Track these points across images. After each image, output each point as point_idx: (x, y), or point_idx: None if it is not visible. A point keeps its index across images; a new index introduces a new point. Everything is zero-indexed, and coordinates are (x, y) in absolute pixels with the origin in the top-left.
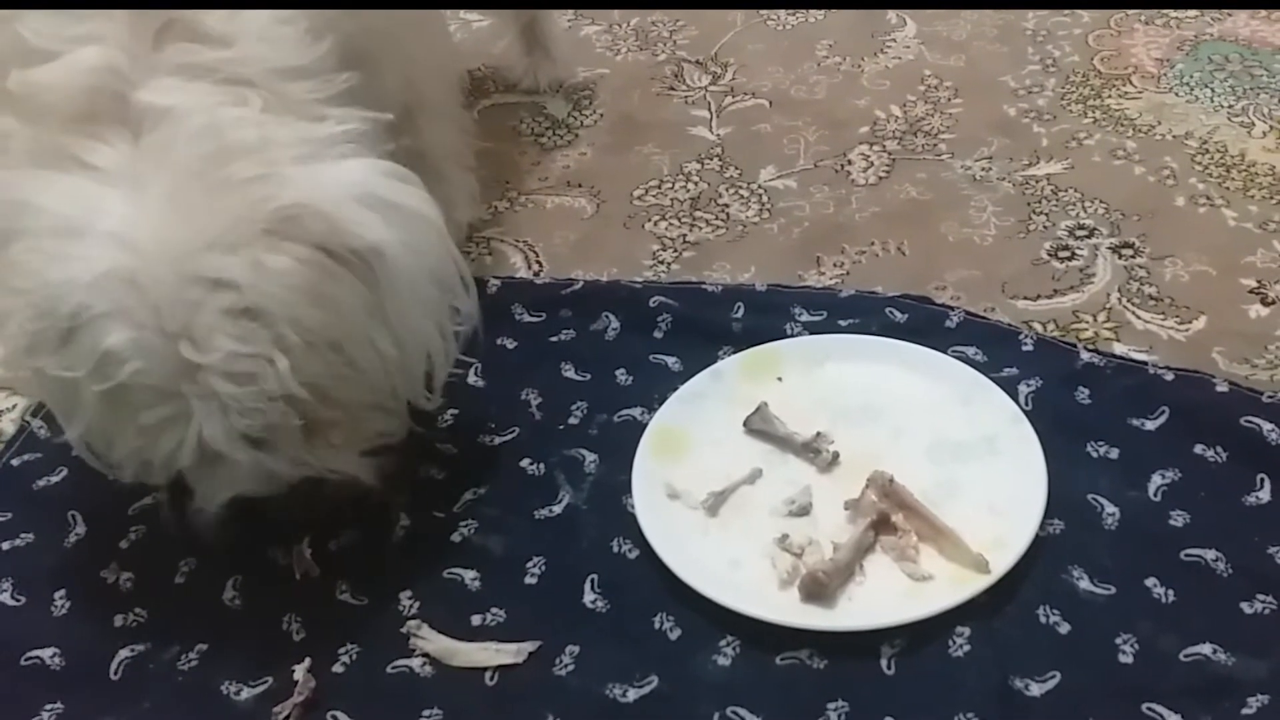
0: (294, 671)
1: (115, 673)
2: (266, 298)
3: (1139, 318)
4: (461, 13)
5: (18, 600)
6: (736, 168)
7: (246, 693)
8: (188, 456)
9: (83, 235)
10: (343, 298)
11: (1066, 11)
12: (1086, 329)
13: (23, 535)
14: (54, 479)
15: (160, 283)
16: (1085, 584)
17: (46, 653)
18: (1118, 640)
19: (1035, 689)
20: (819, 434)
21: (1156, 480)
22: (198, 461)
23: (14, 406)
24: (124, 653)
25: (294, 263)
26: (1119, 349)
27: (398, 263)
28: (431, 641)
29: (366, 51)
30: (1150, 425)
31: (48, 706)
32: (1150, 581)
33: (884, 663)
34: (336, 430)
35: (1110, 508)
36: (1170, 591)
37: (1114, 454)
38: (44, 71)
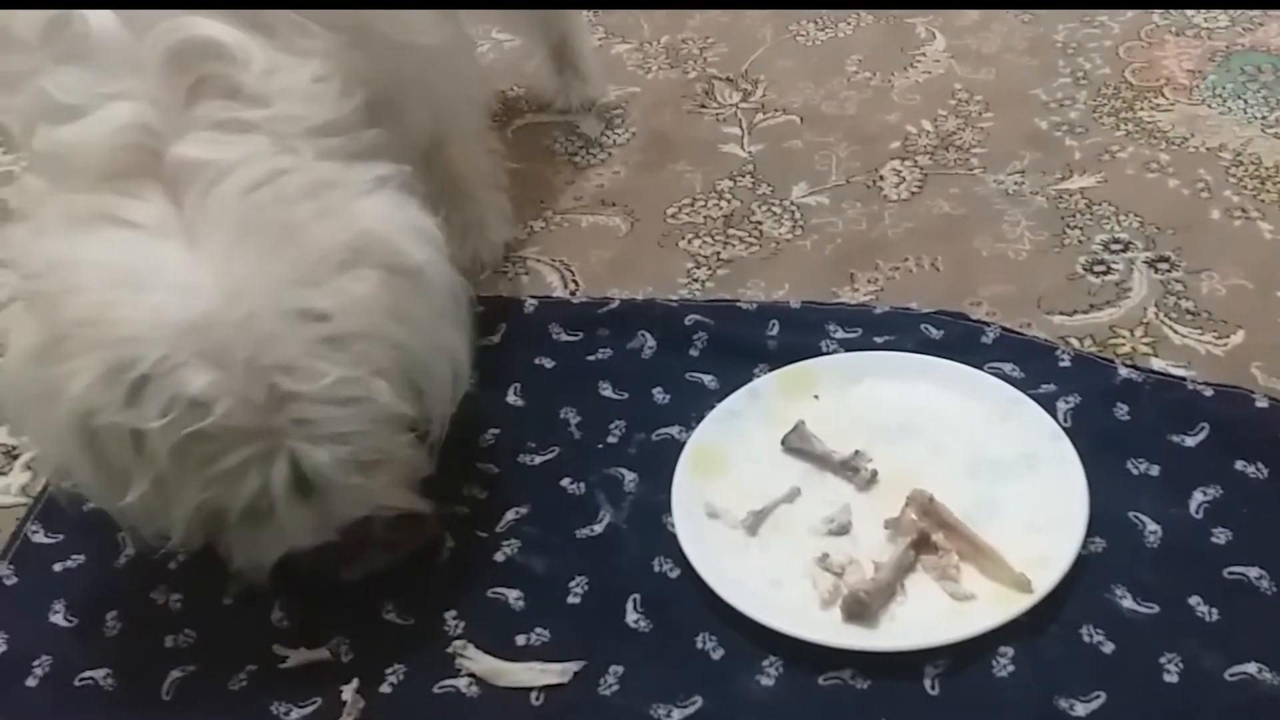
0: (342, 692)
1: (167, 693)
2: (358, 321)
3: (1176, 332)
4: (493, 32)
5: (70, 621)
6: (769, 185)
7: (296, 713)
8: (280, 491)
9: (141, 287)
10: (416, 313)
11: (1096, 23)
12: (1124, 344)
13: (74, 557)
14: None
15: (244, 320)
16: (1128, 603)
17: (99, 673)
18: (1162, 659)
19: (1080, 709)
20: (857, 452)
21: (1198, 497)
22: (248, 519)
23: None
24: (175, 673)
25: (375, 287)
26: (1157, 364)
27: (435, 280)
28: (477, 661)
29: (394, 101)
30: (1190, 441)
31: None
32: (1194, 600)
33: (928, 683)
34: (388, 465)
35: (1152, 525)
36: (1214, 610)
37: (1154, 471)
38: (73, 129)
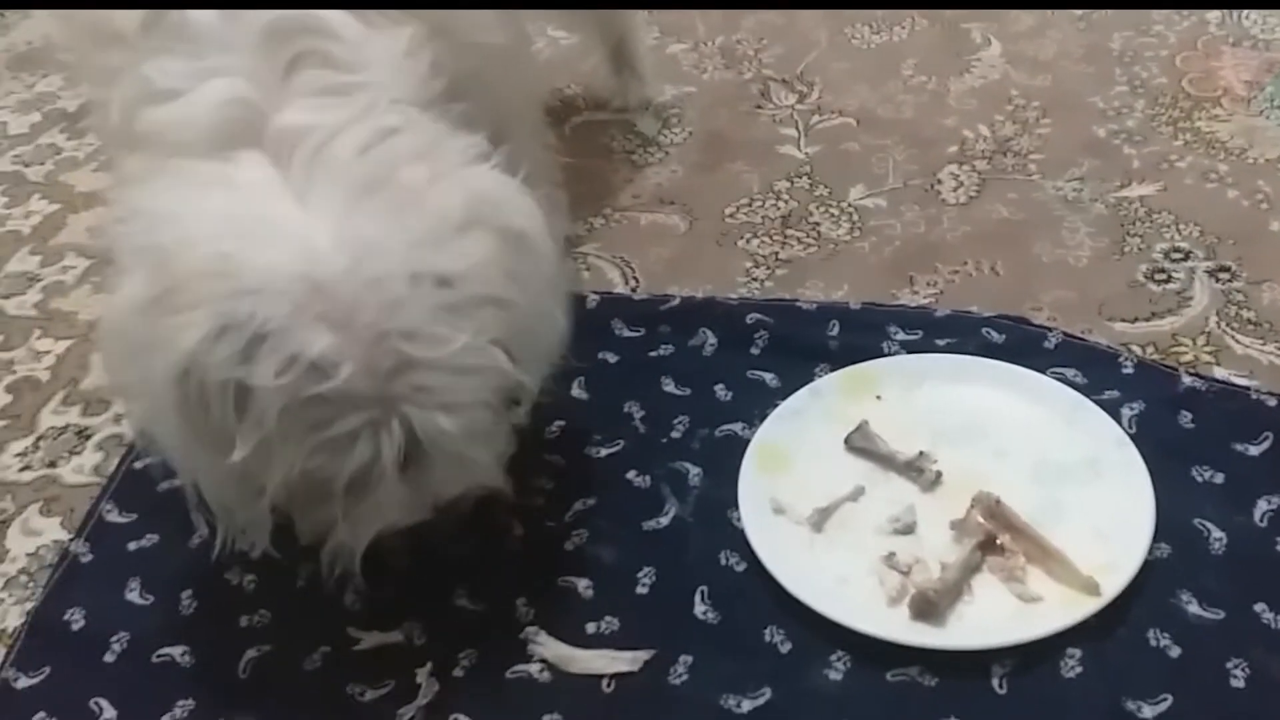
0: (416, 675)
1: (243, 671)
2: (479, 285)
3: (1238, 342)
4: (550, 29)
5: (146, 599)
6: (826, 186)
7: (371, 694)
8: (390, 462)
9: (258, 242)
10: (524, 271)
11: (1153, 32)
12: (1186, 352)
13: (148, 536)
14: (177, 482)
15: (366, 284)
16: (1194, 608)
17: (176, 650)
18: (1229, 665)
19: (1148, 711)
20: (922, 453)
21: (1262, 506)
22: (351, 491)
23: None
24: (251, 652)
25: (492, 250)
26: (1219, 373)
27: (540, 247)
28: (549, 648)
29: (460, 96)
30: (1254, 450)
31: (180, 702)
32: (1259, 606)
33: (995, 682)
34: (482, 444)
35: (1217, 532)
36: (1279, 617)
37: (1219, 479)
38: (174, 108)
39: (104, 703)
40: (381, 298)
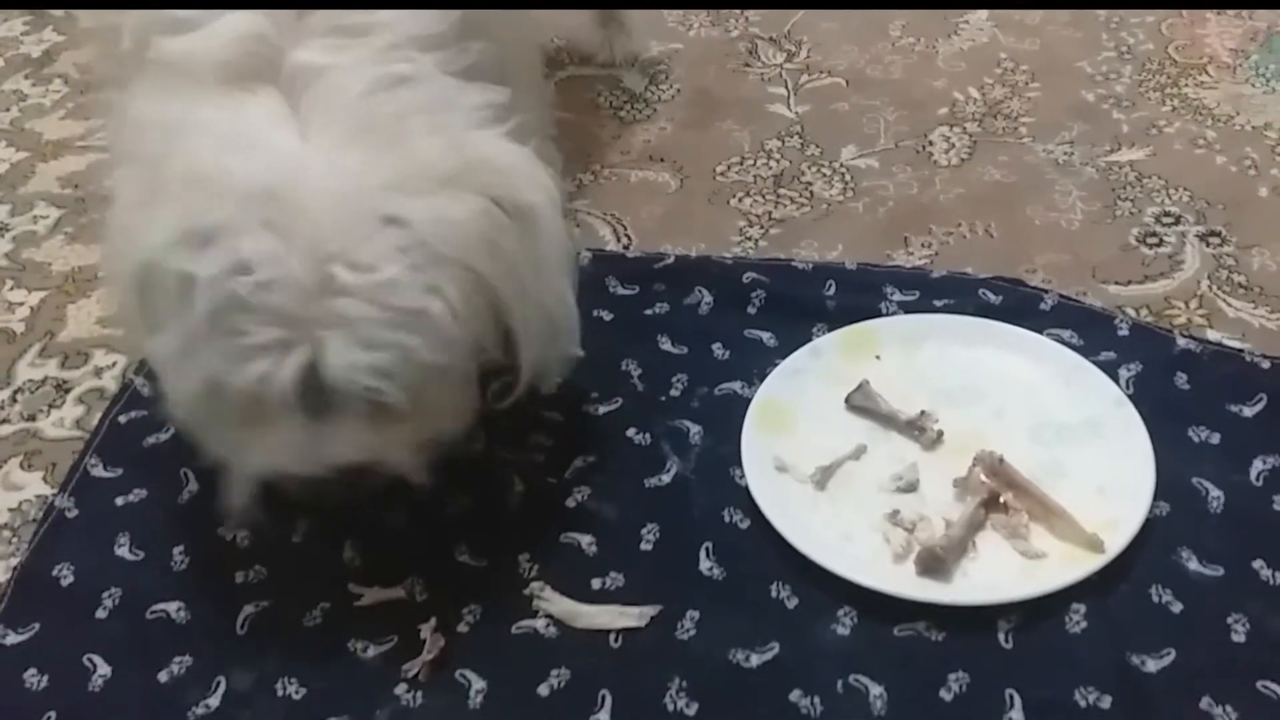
0: (420, 631)
1: (241, 627)
2: (444, 242)
3: (1230, 305)
4: None
5: (136, 555)
6: (817, 146)
7: (374, 650)
8: (284, 385)
9: (249, 150)
10: (512, 251)
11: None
12: (1179, 315)
13: (136, 491)
14: (163, 436)
15: (327, 209)
16: (1194, 565)
17: (171, 606)
18: (1229, 620)
19: (1152, 665)
20: (923, 412)
21: (1258, 465)
22: (251, 419)
23: (114, 364)
24: (248, 608)
25: (472, 213)
26: (1212, 335)
27: (543, 224)
28: (555, 603)
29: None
30: (1249, 412)
31: (177, 659)
32: (1257, 563)
33: (1001, 637)
34: (405, 423)
35: (1215, 491)
36: (1277, 574)
37: (1215, 439)
38: (190, 39)
39: (97, 659)
40: (334, 222)
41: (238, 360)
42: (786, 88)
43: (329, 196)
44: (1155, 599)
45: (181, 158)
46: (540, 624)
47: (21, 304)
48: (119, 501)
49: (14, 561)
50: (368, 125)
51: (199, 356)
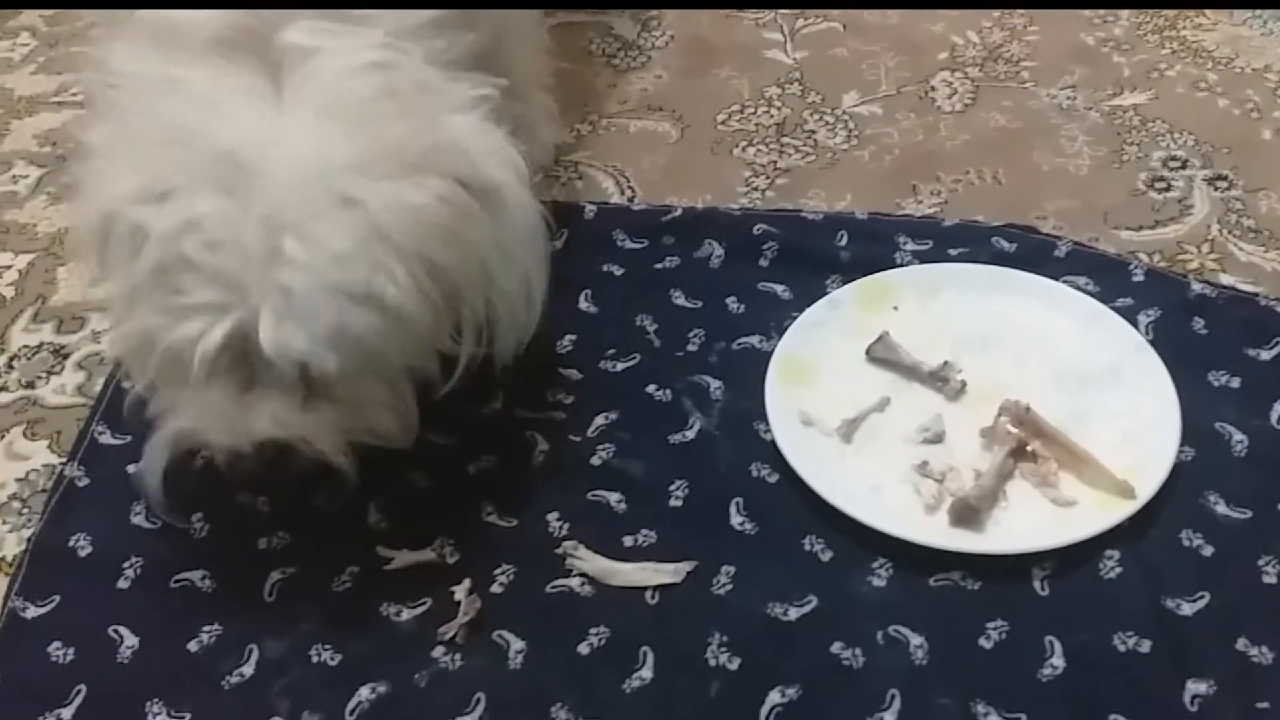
0: (454, 593)
1: (270, 594)
2: (400, 229)
3: (1241, 249)
4: None
5: (153, 523)
6: (818, 93)
7: (407, 614)
8: (210, 346)
9: (222, 116)
10: (474, 239)
11: None
12: (1192, 260)
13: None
14: None
15: (287, 181)
16: (1222, 508)
17: (195, 575)
18: (1260, 562)
19: (1187, 608)
20: (946, 363)
21: (1278, 409)
22: (180, 380)
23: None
24: (275, 575)
25: (433, 200)
26: (1225, 280)
27: (510, 204)
28: (589, 562)
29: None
30: (1266, 355)
31: (205, 628)
32: None
33: (1037, 584)
34: (335, 407)
35: (1238, 435)
36: None
37: (1235, 383)
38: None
39: (123, 630)
40: (292, 195)
41: (173, 316)
42: (783, 33)
43: (292, 170)
44: (1186, 543)
45: (154, 114)
46: (575, 583)
47: (9, 267)
48: (131, 469)
49: (27, 533)
50: (342, 106)
51: (139, 308)
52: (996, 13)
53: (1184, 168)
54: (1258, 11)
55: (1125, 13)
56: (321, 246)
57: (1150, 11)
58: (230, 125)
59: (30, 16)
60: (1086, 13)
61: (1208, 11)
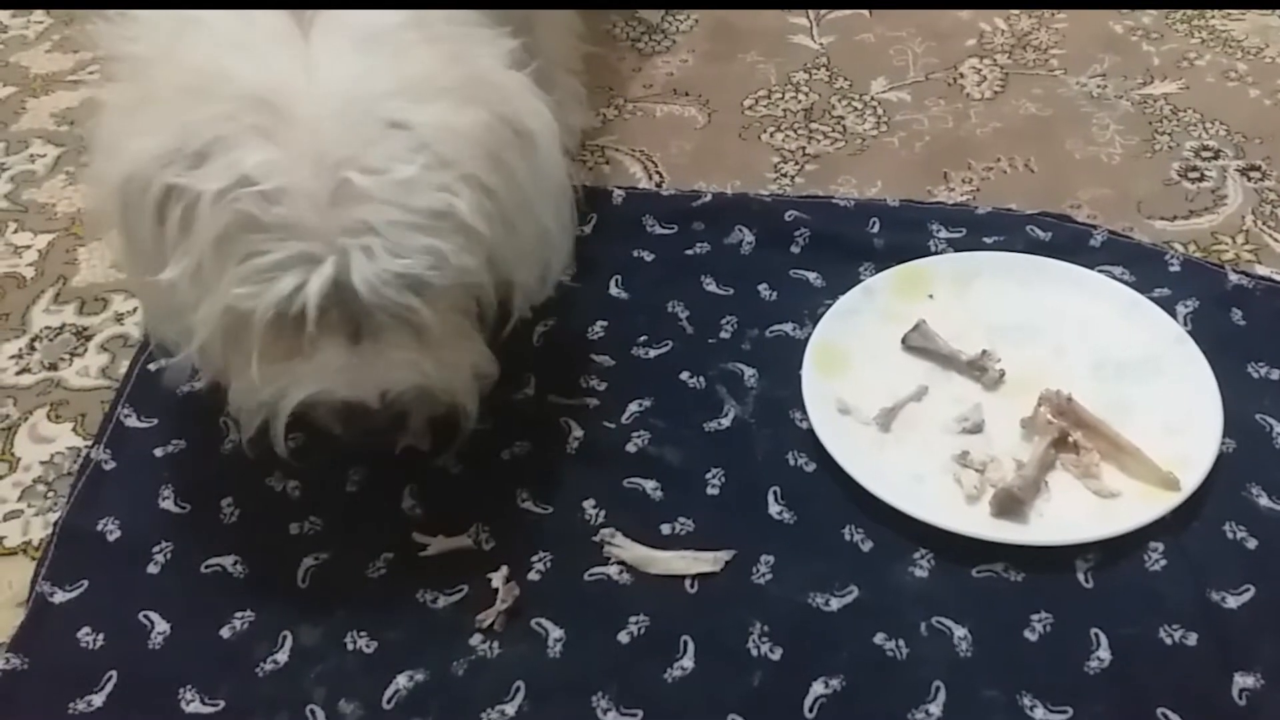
0: (491, 580)
1: (303, 580)
2: (450, 147)
3: (1276, 240)
4: None
5: (182, 508)
6: (846, 79)
7: (444, 601)
8: (315, 300)
9: (248, 56)
10: (516, 167)
11: None
12: (1227, 250)
13: (174, 442)
14: (198, 384)
15: (328, 115)
16: (1265, 501)
17: (227, 560)
18: None
19: (1232, 601)
20: (985, 352)
21: None
22: (275, 334)
23: (135, 309)
24: (308, 560)
25: (479, 125)
26: (1261, 270)
27: (546, 154)
28: (627, 550)
29: None
30: None
31: (238, 614)
32: None
33: (1081, 576)
34: (443, 348)
35: (1279, 427)
36: None
37: (1274, 375)
38: None
39: (154, 616)
40: (338, 128)
41: (257, 282)
42: (808, 18)
43: (330, 102)
44: (1230, 535)
45: (175, 61)
46: (613, 570)
47: (28, 247)
48: (158, 453)
49: (53, 516)
50: (372, 38)
51: (212, 286)
52: None
53: (1216, 158)
54: None
55: None
56: (387, 174)
57: None
58: (258, 67)
59: None
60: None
61: None
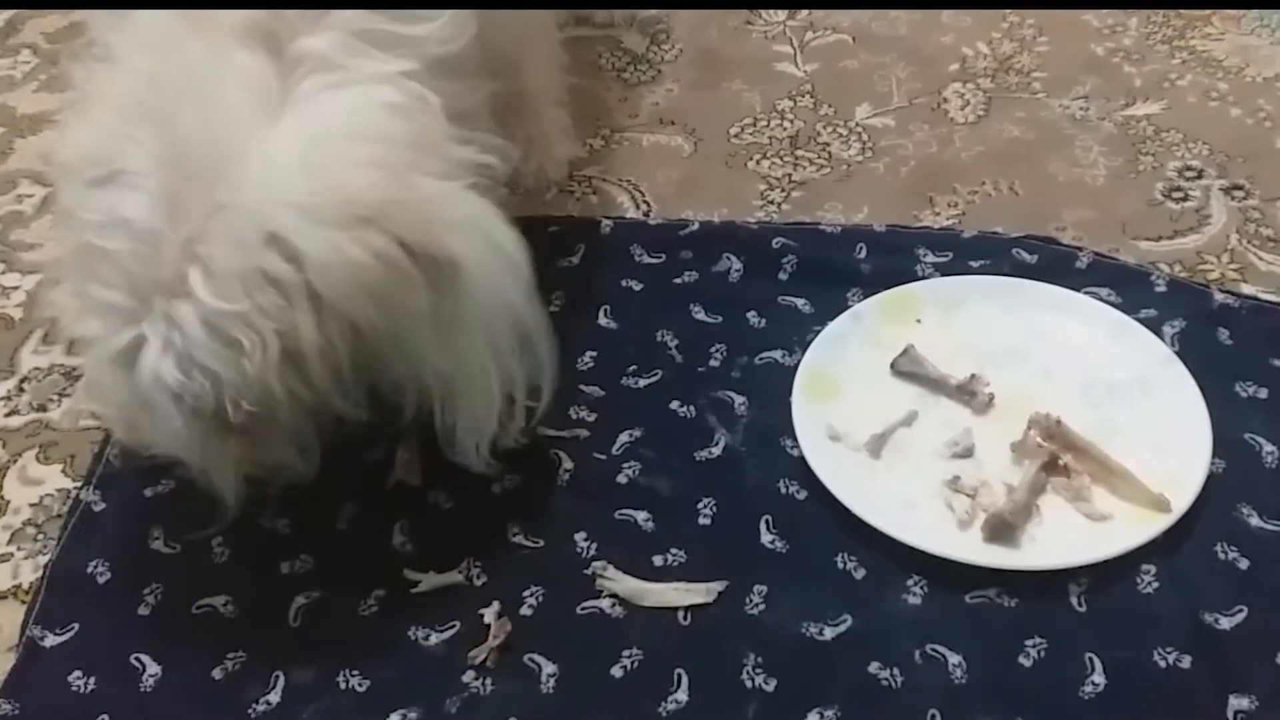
0: (483, 615)
1: (295, 619)
2: (325, 281)
3: (1261, 259)
4: None
5: (172, 548)
6: (830, 105)
7: (435, 638)
8: (107, 355)
9: (201, 102)
10: (410, 305)
11: None
12: (1213, 270)
13: (164, 482)
14: None
15: (228, 205)
16: (1256, 521)
17: (218, 600)
18: None
19: (1225, 623)
20: (973, 376)
21: None
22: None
23: None
24: (299, 599)
25: (370, 257)
26: (1247, 290)
27: (472, 284)
28: (619, 582)
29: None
30: None
31: (230, 654)
32: None
33: (1074, 600)
34: (239, 440)
35: (1269, 446)
36: None
37: (1262, 394)
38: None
39: (145, 658)
40: (222, 224)
41: (84, 306)
42: (792, 45)
43: (240, 194)
44: (1222, 556)
45: (143, 75)
46: (606, 604)
47: (16, 288)
48: (147, 493)
49: (43, 559)
50: (329, 141)
51: (64, 279)
52: (1005, 24)
53: (1200, 177)
54: (1265, 20)
55: (1133, 22)
56: (224, 286)
57: (1158, 20)
58: (209, 119)
59: (31, 34)
60: (1095, 22)
61: (1215, 20)
